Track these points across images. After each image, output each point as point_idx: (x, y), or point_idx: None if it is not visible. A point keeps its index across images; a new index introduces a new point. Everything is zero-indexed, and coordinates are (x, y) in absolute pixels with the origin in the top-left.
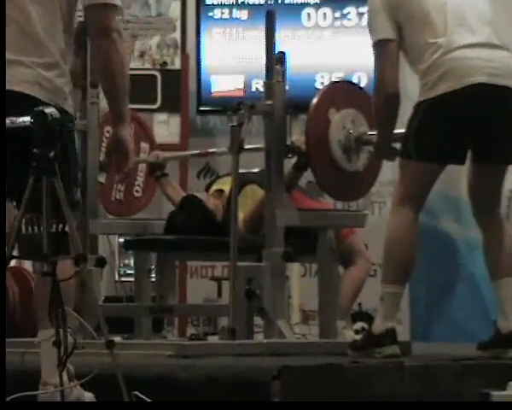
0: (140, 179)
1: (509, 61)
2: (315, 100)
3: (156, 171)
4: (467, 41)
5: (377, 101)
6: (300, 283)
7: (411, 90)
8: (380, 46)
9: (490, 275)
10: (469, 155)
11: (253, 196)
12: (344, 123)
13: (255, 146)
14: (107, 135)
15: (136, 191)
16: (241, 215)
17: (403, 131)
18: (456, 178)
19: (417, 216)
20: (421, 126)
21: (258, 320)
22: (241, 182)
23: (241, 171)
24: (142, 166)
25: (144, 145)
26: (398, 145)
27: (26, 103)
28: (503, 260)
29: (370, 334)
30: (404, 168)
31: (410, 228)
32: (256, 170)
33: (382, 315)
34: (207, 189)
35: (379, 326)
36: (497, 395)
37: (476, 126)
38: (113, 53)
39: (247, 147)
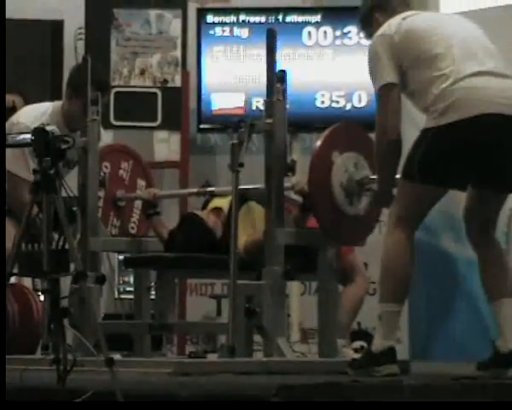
0: (135, 216)
1: None
2: (318, 142)
3: (149, 208)
4: (475, 69)
5: (379, 147)
6: (300, 301)
7: (415, 113)
8: (384, 91)
9: (487, 296)
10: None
11: (251, 213)
12: (346, 166)
13: (253, 186)
14: (105, 170)
15: (132, 228)
16: (243, 238)
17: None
18: (458, 197)
19: (413, 234)
20: (427, 152)
21: (257, 338)
22: (240, 199)
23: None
24: (138, 203)
25: (140, 182)
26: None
27: None
28: (500, 280)
29: (370, 353)
30: (404, 189)
31: (406, 246)
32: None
33: (381, 334)
34: (204, 207)
35: (378, 345)
36: None
37: (484, 155)
38: None
39: (242, 187)
